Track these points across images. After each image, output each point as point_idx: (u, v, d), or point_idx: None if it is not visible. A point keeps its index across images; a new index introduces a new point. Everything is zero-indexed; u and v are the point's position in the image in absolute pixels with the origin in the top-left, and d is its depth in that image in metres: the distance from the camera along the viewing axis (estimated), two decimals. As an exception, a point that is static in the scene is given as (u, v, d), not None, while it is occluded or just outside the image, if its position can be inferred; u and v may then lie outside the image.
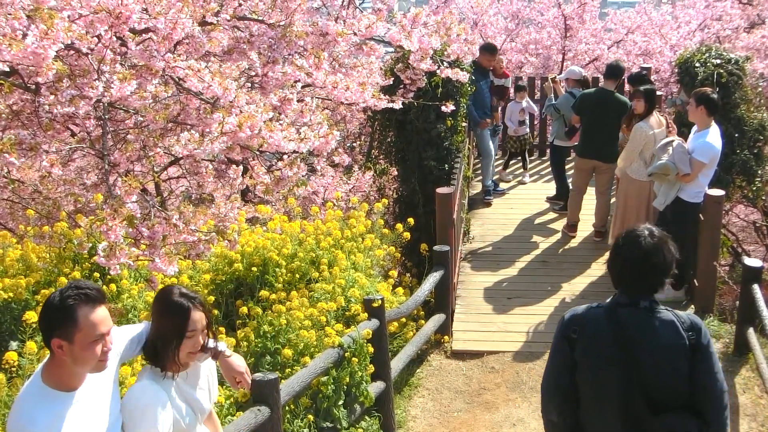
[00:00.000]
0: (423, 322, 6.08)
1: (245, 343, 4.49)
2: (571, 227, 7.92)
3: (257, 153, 4.56)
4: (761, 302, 5.25)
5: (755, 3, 13.37)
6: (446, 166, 7.42)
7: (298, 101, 4.55)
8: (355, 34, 4.76)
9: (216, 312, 4.91)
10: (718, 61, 7.62)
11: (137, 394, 2.48)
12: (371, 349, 4.65)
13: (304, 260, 5.18)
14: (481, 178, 9.06)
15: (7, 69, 3.78)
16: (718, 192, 6.21)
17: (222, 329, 4.55)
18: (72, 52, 4.02)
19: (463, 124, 7.89)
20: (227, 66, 4.23)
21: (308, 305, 4.67)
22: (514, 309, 6.70)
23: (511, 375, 5.78)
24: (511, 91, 9.35)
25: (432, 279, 5.94)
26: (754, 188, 7.92)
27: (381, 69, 6.17)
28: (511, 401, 5.47)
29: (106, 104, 4.26)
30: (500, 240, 8.01)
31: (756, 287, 5.46)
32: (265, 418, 3.39)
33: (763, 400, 5.26)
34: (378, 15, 4.79)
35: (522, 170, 9.73)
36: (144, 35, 3.99)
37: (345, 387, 4.45)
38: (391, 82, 6.36)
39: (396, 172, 7.94)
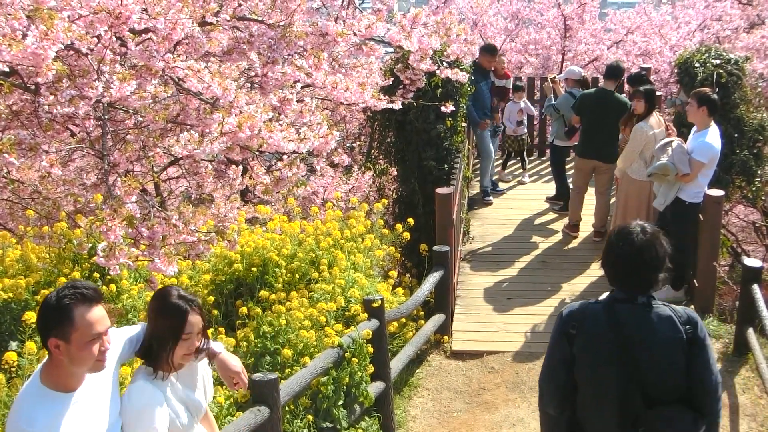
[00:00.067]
0: (423, 322, 6.08)
1: (245, 343, 4.49)
2: (573, 227, 7.92)
3: (257, 153, 4.56)
4: (761, 302, 5.25)
5: (755, 3, 13.38)
6: (446, 166, 7.42)
7: (297, 101, 4.55)
8: (354, 34, 4.76)
9: (216, 312, 4.91)
10: (718, 62, 7.62)
11: (134, 395, 2.48)
12: (371, 350, 4.65)
13: (304, 260, 5.18)
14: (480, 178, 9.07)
15: (7, 69, 3.78)
16: (717, 192, 6.22)
17: (222, 329, 4.55)
18: (72, 52, 4.02)
19: (463, 124, 7.89)
20: (227, 66, 4.23)
21: (308, 305, 4.67)
22: (514, 309, 6.70)
23: (511, 375, 5.78)
24: (510, 91, 9.36)
25: (432, 279, 5.94)
26: (754, 188, 7.92)
27: (381, 69, 6.17)
28: (511, 401, 5.47)
29: (105, 104, 4.26)
30: (500, 240, 8.01)
31: (756, 287, 5.46)
32: (265, 418, 3.39)
33: (762, 400, 5.27)
34: (378, 15, 4.79)
35: (521, 170, 9.74)
36: (144, 35, 3.99)
37: (345, 387, 4.45)
38: (391, 83, 6.36)
39: (395, 173, 7.94)
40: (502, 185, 9.34)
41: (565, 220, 8.18)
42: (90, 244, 4.53)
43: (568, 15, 12.60)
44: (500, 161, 9.72)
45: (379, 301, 4.77)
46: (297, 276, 5.12)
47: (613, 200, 7.80)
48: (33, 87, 4.09)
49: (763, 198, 8.61)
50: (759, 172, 7.85)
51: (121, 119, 5.19)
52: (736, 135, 7.62)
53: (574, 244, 7.85)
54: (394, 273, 6.27)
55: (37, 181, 4.65)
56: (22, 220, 5.93)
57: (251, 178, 4.73)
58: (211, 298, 4.91)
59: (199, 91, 4.05)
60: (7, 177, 4.70)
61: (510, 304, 6.77)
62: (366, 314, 4.78)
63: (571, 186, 8.19)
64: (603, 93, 7.34)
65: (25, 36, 3.36)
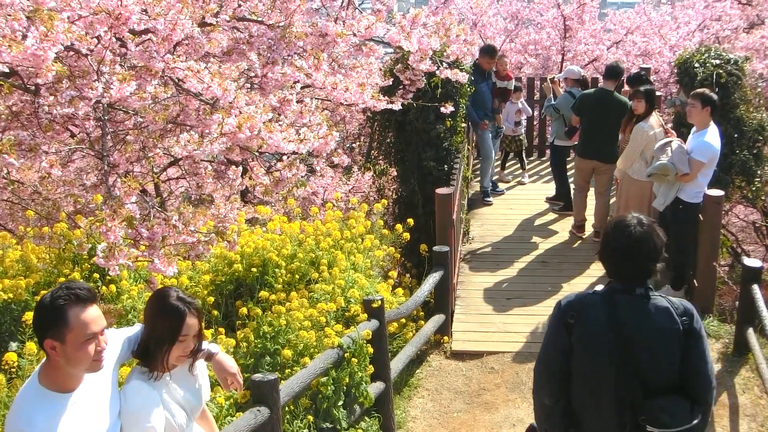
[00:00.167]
0: (423, 322, 6.08)
1: (245, 343, 4.49)
2: (579, 227, 7.92)
3: (256, 154, 4.55)
4: (761, 302, 5.25)
5: (754, 3, 13.38)
6: (445, 166, 7.42)
7: (297, 102, 4.55)
8: (354, 34, 4.76)
9: (216, 313, 4.91)
10: (718, 62, 7.62)
11: (129, 395, 2.48)
12: (371, 350, 4.65)
13: (304, 261, 5.18)
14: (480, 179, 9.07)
15: (7, 70, 3.78)
16: (717, 192, 6.22)
17: (222, 330, 4.55)
18: (71, 53, 4.02)
19: (463, 124, 7.89)
20: (227, 67, 4.23)
21: (308, 306, 4.67)
22: (514, 309, 6.70)
23: (511, 375, 5.78)
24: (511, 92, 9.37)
25: (431, 279, 5.94)
26: (754, 188, 7.92)
27: (380, 70, 6.17)
28: (511, 402, 5.47)
29: (105, 105, 4.25)
30: (500, 240, 8.01)
31: (755, 287, 5.46)
32: (265, 418, 3.40)
33: (762, 401, 5.27)
34: (377, 16, 4.79)
35: (521, 171, 9.75)
36: (143, 36, 3.99)
37: (345, 388, 4.45)
38: (391, 83, 6.36)
39: (395, 173, 7.95)
40: (501, 185, 9.35)
41: (566, 221, 8.18)
42: (90, 245, 4.53)
43: (568, 15, 12.60)
44: (498, 161, 9.73)
45: (379, 302, 4.77)
46: (297, 276, 5.12)
47: (612, 200, 7.80)
48: (33, 88, 4.09)
49: (762, 198, 8.61)
50: (759, 172, 7.85)
51: (120, 120, 5.19)
52: (735, 135, 7.62)
53: (574, 244, 7.85)
54: (394, 273, 6.28)
55: (37, 182, 4.65)
56: (22, 221, 5.94)
57: (251, 179, 4.73)
58: (211, 299, 4.91)
59: (198, 92, 4.05)
60: (7, 178, 4.70)
61: (510, 305, 6.77)
62: (366, 315, 4.78)
63: (572, 186, 8.19)
64: (603, 93, 7.34)
65: (25, 37, 3.36)
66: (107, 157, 4.61)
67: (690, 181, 6.02)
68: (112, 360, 2.46)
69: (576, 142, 7.94)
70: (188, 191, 7.88)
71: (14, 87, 4.19)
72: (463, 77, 5.99)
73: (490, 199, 8.88)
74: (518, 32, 13.41)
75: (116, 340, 2.54)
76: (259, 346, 4.46)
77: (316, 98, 5.52)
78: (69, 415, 2.23)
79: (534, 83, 10.50)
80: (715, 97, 6.02)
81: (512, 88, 9.18)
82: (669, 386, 2.73)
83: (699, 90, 6.14)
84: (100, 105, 4.21)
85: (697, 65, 7.66)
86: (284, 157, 4.86)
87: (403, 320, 5.77)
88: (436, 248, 6.17)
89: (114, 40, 3.77)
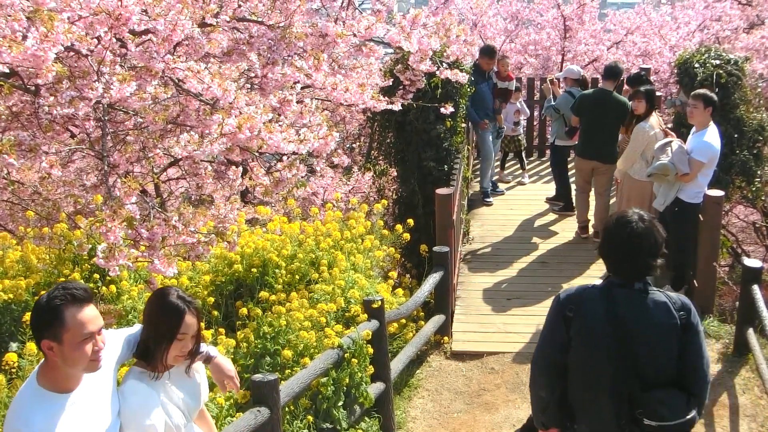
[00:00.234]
0: (423, 323, 6.08)
1: (245, 344, 4.49)
2: (583, 228, 7.92)
3: (256, 154, 4.55)
4: (761, 303, 5.25)
5: (754, 4, 13.38)
6: (446, 167, 7.42)
7: (297, 102, 4.55)
8: (354, 35, 4.75)
9: (216, 313, 4.91)
10: (718, 62, 7.63)
11: (127, 395, 2.49)
12: (371, 350, 4.65)
13: (304, 261, 5.19)
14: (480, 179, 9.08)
15: (7, 71, 3.78)
16: (717, 192, 6.22)
17: (222, 330, 4.55)
18: (72, 53, 4.02)
19: (463, 125, 7.90)
20: (227, 67, 4.23)
21: (308, 306, 4.67)
22: (514, 310, 6.70)
23: (511, 376, 5.78)
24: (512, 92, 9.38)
25: (432, 280, 5.94)
26: (754, 189, 7.93)
27: (380, 70, 6.17)
28: (511, 402, 5.47)
29: (105, 105, 4.25)
30: (500, 241, 8.01)
31: (756, 288, 5.46)
32: (265, 419, 3.40)
33: (762, 401, 5.27)
34: (377, 16, 4.79)
35: (521, 171, 9.75)
36: (144, 37, 3.99)
37: (345, 388, 4.45)
38: (391, 84, 6.36)
39: (395, 173, 7.95)
40: (501, 186, 9.35)
41: (566, 222, 8.18)
42: (90, 245, 4.54)
43: (568, 16, 12.61)
44: (498, 162, 9.73)
45: (379, 302, 4.77)
46: (297, 277, 5.12)
47: (612, 200, 7.80)
48: (33, 88, 4.09)
49: (763, 198, 8.61)
50: (759, 172, 7.86)
51: (121, 120, 5.19)
52: (735, 135, 7.62)
53: (574, 245, 7.85)
54: (394, 274, 6.28)
55: (37, 182, 4.65)
56: (22, 222, 5.94)
57: (251, 179, 4.73)
58: (211, 299, 4.91)
59: (198, 92, 4.05)
60: (7, 178, 4.69)
61: (510, 305, 6.77)
62: (366, 315, 4.78)
63: (573, 187, 8.19)
64: (602, 93, 7.35)
65: (25, 37, 3.36)
66: (107, 158, 4.60)
67: (690, 181, 6.02)
68: (111, 360, 2.46)
69: (577, 142, 7.95)
70: (188, 192, 7.89)
71: (14, 87, 4.19)
72: (463, 78, 5.99)
73: (490, 199, 8.89)
74: (518, 32, 13.42)
75: (116, 341, 2.54)
76: (259, 346, 4.46)
77: (316, 99, 5.52)
78: (67, 415, 2.23)
79: (534, 83, 10.51)
80: (715, 97, 6.04)
81: (513, 88, 9.19)
82: (666, 380, 2.77)
83: (700, 91, 6.13)
84: (101, 105, 4.21)
85: (697, 65, 7.66)
86: (284, 158, 4.86)
87: (403, 321, 5.77)
88: (436, 249, 6.17)
89: (114, 40, 3.77)
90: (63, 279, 4.61)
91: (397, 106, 5.47)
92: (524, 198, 9.10)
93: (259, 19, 4.64)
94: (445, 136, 7.39)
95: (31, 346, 3.61)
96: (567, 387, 2.90)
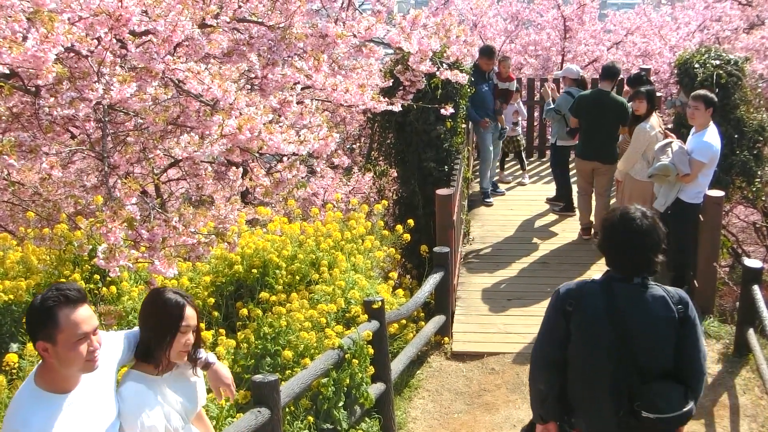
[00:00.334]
0: (423, 323, 6.08)
1: (245, 344, 4.49)
2: (585, 230, 7.92)
3: (257, 155, 4.56)
4: (761, 303, 5.25)
5: (754, 4, 13.38)
6: (446, 167, 7.42)
7: (297, 103, 4.55)
8: (354, 36, 4.76)
9: (216, 314, 4.91)
10: (718, 62, 7.63)
11: (126, 396, 2.49)
12: (371, 351, 4.65)
13: (304, 262, 5.18)
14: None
15: (8, 71, 3.78)
16: (717, 193, 6.22)
17: (222, 331, 4.55)
18: (72, 54, 4.03)
19: (463, 125, 7.90)
20: (227, 68, 4.23)
21: (308, 307, 4.67)
22: (514, 310, 6.70)
23: (512, 376, 5.78)
24: (513, 93, 9.37)
25: (432, 280, 5.94)
26: (754, 189, 7.93)
27: (380, 71, 6.17)
28: (512, 402, 5.47)
29: (105, 106, 4.26)
30: (500, 241, 8.01)
31: (756, 288, 5.47)
32: (266, 419, 3.40)
33: (763, 401, 5.26)
34: (377, 17, 4.79)
35: (521, 172, 9.75)
36: (144, 37, 3.99)
37: (345, 388, 4.45)
38: (391, 84, 6.36)
39: (396, 174, 7.95)
40: (502, 186, 9.35)
41: (566, 222, 8.18)
42: (90, 246, 4.54)
43: (568, 16, 12.61)
44: (497, 162, 9.73)
45: (380, 303, 4.77)
46: (297, 277, 5.12)
47: (613, 201, 7.80)
48: (33, 89, 4.10)
49: (763, 199, 8.61)
50: (759, 172, 7.86)
51: (121, 121, 5.19)
52: (736, 136, 7.62)
53: (574, 245, 7.85)
54: (394, 274, 6.27)
55: (38, 183, 4.66)
56: (22, 222, 5.94)
57: (251, 180, 4.73)
58: (212, 300, 4.91)
59: (199, 93, 4.06)
60: (8, 179, 4.70)
61: (510, 305, 6.77)
62: (366, 315, 4.78)
63: (575, 189, 8.19)
64: (599, 94, 7.35)
65: (25, 38, 3.37)
66: (107, 159, 4.61)
67: (691, 181, 6.02)
68: (110, 361, 2.46)
69: (577, 143, 7.95)
70: (188, 192, 7.88)
71: (15, 88, 4.20)
72: (463, 78, 5.99)
73: (490, 199, 8.89)
74: (518, 33, 13.42)
75: (116, 342, 2.54)
76: (259, 347, 4.46)
77: (316, 99, 5.52)
78: (65, 415, 2.23)
79: (534, 84, 10.51)
80: (716, 98, 6.05)
81: (514, 89, 9.20)
82: (663, 373, 2.81)
83: (700, 92, 6.13)
84: (101, 106, 4.21)
85: (697, 66, 7.66)
86: (284, 159, 4.86)
87: (404, 321, 5.77)
88: (436, 249, 6.17)
89: (114, 41, 3.77)
90: (63, 280, 4.61)
91: (397, 107, 5.47)
92: (524, 198, 9.10)
93: (260, 20, 4.64)
94: (446, 137, 7.39)
95: (32, 347, 3.62)
96: (566, 382, 2.93)
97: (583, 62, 12.44)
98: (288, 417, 4.14)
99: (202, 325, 3.24)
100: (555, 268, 7.38)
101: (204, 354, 2.74)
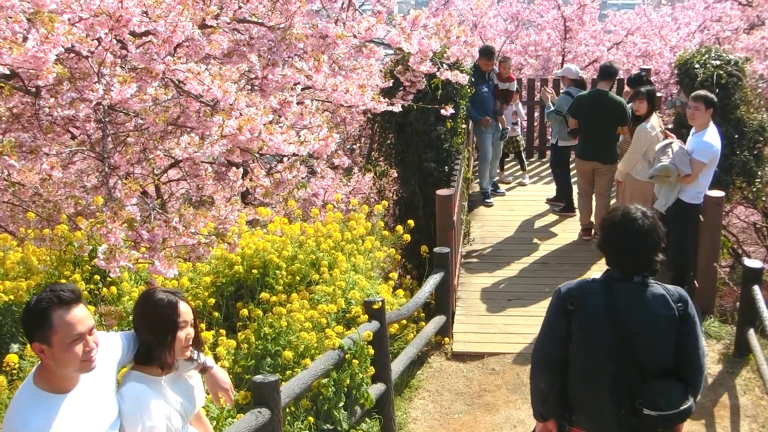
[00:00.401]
0: (423, 323, 6.08)
1: (246, 345, 4.49)
2: (585, 231, 7.92)
3: (257, 156, 4.56)
4: (762, 303, 5.25)
5: (755, 4, 13.38)
6: (446, 167, 7.43)
7: (297, 104, 4.56)
8: (354, 36, 4.76)
9: (216, 314, 4.91)
10: (718, 63, 7.63)
11: (127, 396, 2.49)
12: (371, 351, 4.65)
13: (305, 262, 5.19)
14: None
15: (8, 72, 3.78)
16: (718, 193, 6.22)
17: (223, 331, 4.55)
18: (72, 55, 4.03)
19: (463, 126, 7.90)
20: (227, 69, 4.23)
21: (308, 307, 4.67)
22: (515, 310, 6.70)
23: (512, 377, 5.78)
24: (513, 94, 9.37)
25: (432, 281, 5.94)
26: (755, 189, 7.93)
27: (381, 71, 6.17)
28: (512, 403, 5.47)
29: (106, 107, 4.26)
30: (500, 241, 8.01)
31: (756, 288, 5.47)
32: (266, 420, 3.40)
33: (763, 402, 5.26)
34: (378, 17, 4.79)
35: (521, 172, 9.75)
36: (144, 38, 3.99)
37: (345, 389, 4.45)
38: (391, 85, 6.36)
39: (396, 174, 7.95)
40: (502, 186, 9.35)
41: (566, 223, 8.17)
42: (90, 247, 4.54)
43: (568, 16, 12.62)
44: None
45: (380, 303, 4.77)
46: (297, 278, 5.12)
47: (613, 201, 7.80)
48: (34, 90, 4.10)
49: (763, 199, 8.61)
50: (759, 173, 7.86)
51: (121, 122, 5.19)
52: (736, 136, 7.62)
53: (575, 245, 7.85)
54: (394, 275, 6.28)
55: (38, 184, 4.66)
56: (22, 223, 5.94)
57: (251, 181, 4.73)
58: (212, 300, 4.91)
59: (199, 94, 4.06)
60: (8, 179, 4.70)
61: (510, 306, 6.77)
62: (366, 316, 4.78)
63: (575, 189, 8.19)
64: (598, 94, 7.36)
65: (25, 39, 3.37)
66: (108, 159, 4.61)
67: (692, 181, 6.03)
68: (110, 361, 2.46)
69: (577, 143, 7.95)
70: (189, 193, 7.89)
71: (15, 89, 4.20)
72: (463, 79, 5.99)
73: (491, 200, 8.89)
74: (518, 33, 13.42)
75: (115, 342, 2.54)
76: (259, 347, 4.46)
77: (316, 100, 5.53)
78: (64, 416, 2.24)
79: (534, 84, 10.51)
80: (715, 98, 6.05)
81: (514, 90, 9.20)
82: (664, 371, 2.83)
83: (701, 92, 6.12)
84: (101, 107, 4.21)
85: (697, 66, 7.66)
86: (285, 159, 4.86)
87: (404, 321, 5.77)
88: (436, 249, 6.18)
89: (115, 42, 3.77)
90: (64, 280, 4.61)
91: (397, 108, 5.47)
92: (525, 199, 9.11)
93: (260, 21, 4.64)
94: (446, 137, 7.39)
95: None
96: (567, 381, 2.94)
97: (583, 63, 12.44)
98: (288, 417, 4.14)
99: (203, 326, 3.25)
100: (555, 268, 7.38)
101: (202, 357, 2.74)
